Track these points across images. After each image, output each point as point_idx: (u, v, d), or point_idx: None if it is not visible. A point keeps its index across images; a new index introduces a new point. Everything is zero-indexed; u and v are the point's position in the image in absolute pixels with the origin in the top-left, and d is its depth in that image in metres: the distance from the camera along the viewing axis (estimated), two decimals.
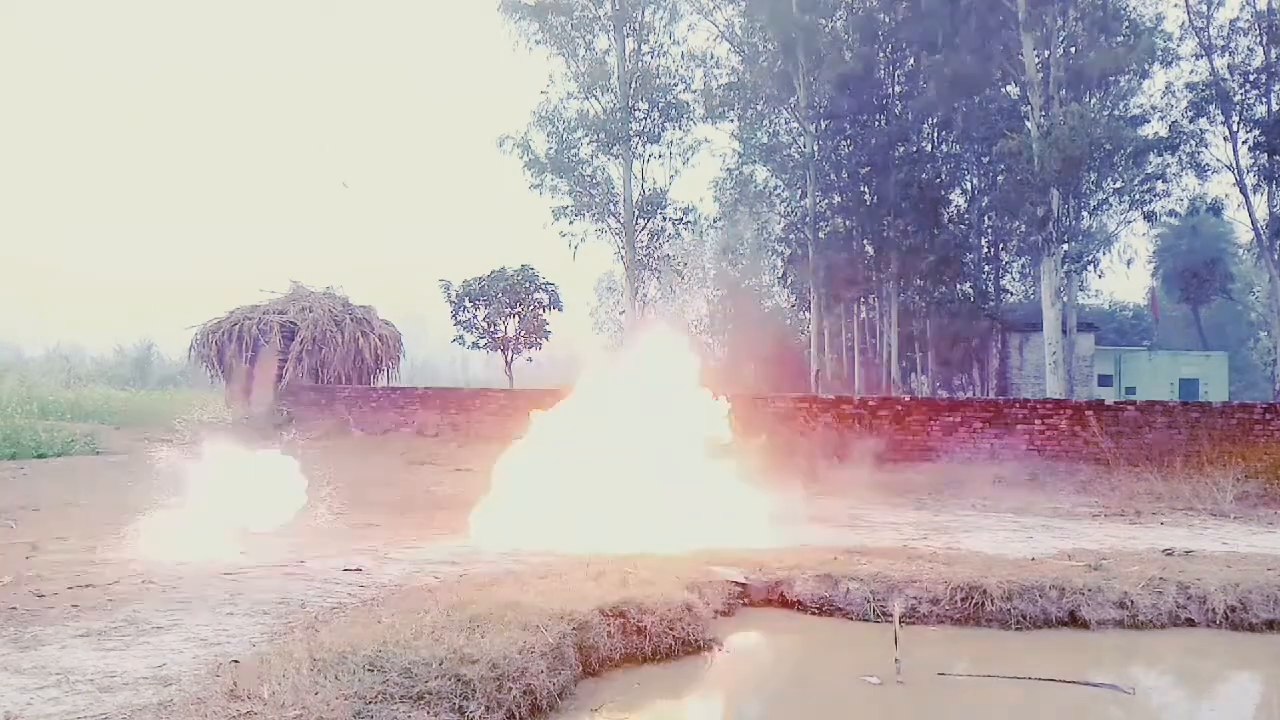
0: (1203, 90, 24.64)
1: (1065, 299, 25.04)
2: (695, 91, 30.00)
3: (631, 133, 28.92)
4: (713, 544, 7.60)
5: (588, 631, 5.17)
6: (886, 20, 26.99)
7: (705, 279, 43.85)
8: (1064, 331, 23.99)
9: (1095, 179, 24.70)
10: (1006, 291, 32.09)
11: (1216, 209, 28.00)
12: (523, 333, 23.42)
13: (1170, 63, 25.54)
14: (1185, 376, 29.71)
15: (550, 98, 29.88)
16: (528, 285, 23.26)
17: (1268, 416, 14.50)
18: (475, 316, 23.57)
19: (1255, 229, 24.06)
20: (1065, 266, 24.40)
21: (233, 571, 6.63)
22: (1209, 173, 25.83)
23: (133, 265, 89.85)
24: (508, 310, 23.22)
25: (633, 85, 29.13)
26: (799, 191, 28.54)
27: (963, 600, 6.47)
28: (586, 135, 29.34)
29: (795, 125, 28.65)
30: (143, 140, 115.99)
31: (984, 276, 30.16)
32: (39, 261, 79.36)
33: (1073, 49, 23.61)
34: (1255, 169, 24.01)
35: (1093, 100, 24.21)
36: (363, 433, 19.64)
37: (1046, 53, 22.96)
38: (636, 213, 29.72)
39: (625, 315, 33.44)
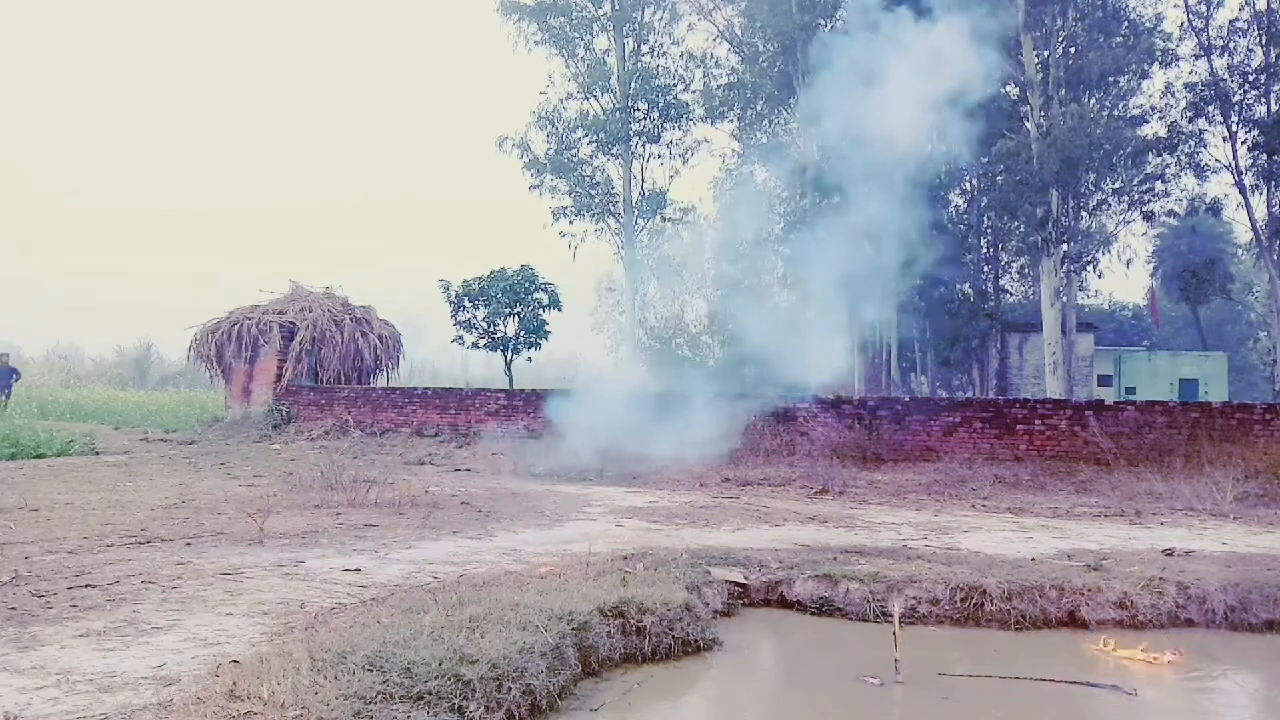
0: (1202, 90, 24.67)
1: (1065, 299, 25.05)
2: (695, 91, 30.03)
3: (631, 133, 28.93)
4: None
5: (588, 631, 5.17)
6: None
7: (705, 279, 43.89)
8: (1064, 332, 23.99)
9: (1094, 179, 24.73)
10: (1006, 291, 32.13)
11: (1215, 209, 28.04)
12: (522, 333, 23.41)
13: (1169, 63, 25.58)
14: (1185, 377, 29.71)
15: (550, 98, 29.94)
16: (527, 285, 23.25)
17: (1268, 416, 14.49)
18: (475, 316, 23.57)
19: (1254, 229, 24.08)
20: (1065, 266, 24.41)
21: (232, 571, 6.62)
22: (1208, 173, 25.90)
23: (131, 263, 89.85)
24: (507, 310, 23.21)
25: (632, 85, 29.14)
26: (798, 192, 28.61)
27: (962, 600, 6.47)
28: (586, 135, 29.38)
29: (795, 125, 28.67)
30: (138, 141, 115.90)
31: (984, 276, 30.18)
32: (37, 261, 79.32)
33: (1072, 49, 23.63)
34: (1254, 169, 24.04)
35: (1092, 100, 24.23)
36: (362, 433, 19.67)
37: (1046, 53, 22.97)
38: (636, 213, 29.74)
39: (625, 315, 33.46)
